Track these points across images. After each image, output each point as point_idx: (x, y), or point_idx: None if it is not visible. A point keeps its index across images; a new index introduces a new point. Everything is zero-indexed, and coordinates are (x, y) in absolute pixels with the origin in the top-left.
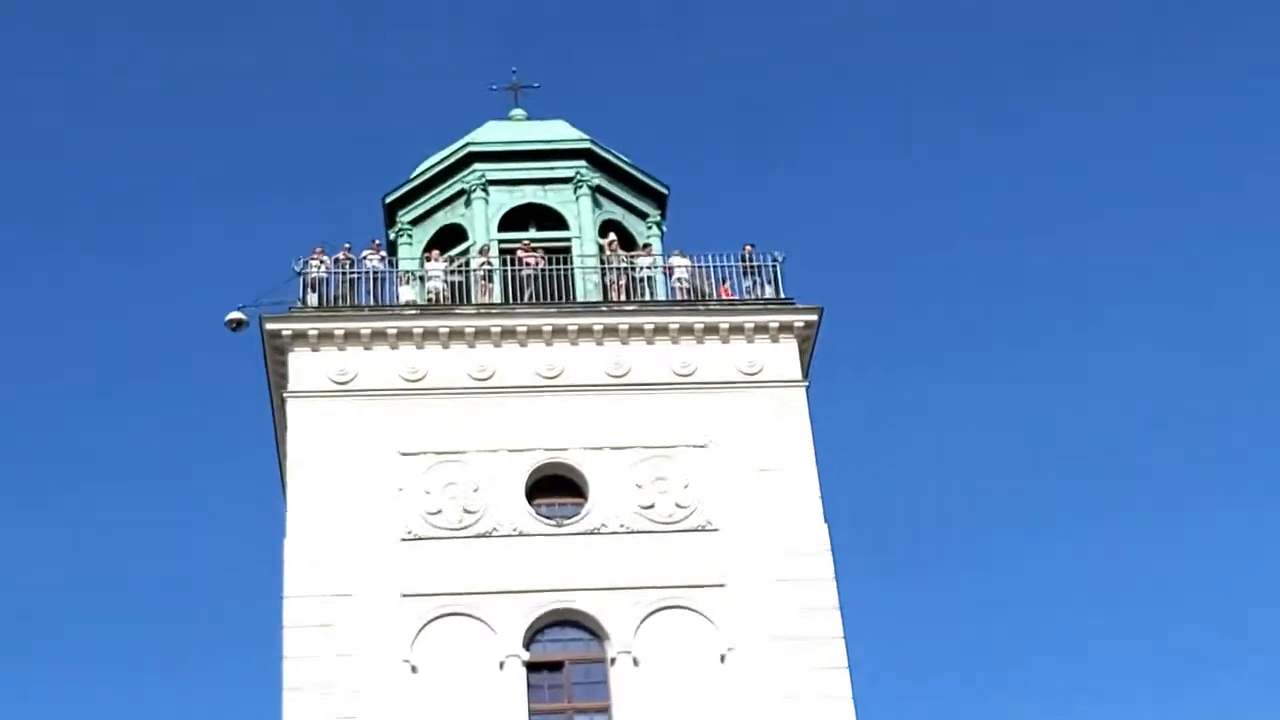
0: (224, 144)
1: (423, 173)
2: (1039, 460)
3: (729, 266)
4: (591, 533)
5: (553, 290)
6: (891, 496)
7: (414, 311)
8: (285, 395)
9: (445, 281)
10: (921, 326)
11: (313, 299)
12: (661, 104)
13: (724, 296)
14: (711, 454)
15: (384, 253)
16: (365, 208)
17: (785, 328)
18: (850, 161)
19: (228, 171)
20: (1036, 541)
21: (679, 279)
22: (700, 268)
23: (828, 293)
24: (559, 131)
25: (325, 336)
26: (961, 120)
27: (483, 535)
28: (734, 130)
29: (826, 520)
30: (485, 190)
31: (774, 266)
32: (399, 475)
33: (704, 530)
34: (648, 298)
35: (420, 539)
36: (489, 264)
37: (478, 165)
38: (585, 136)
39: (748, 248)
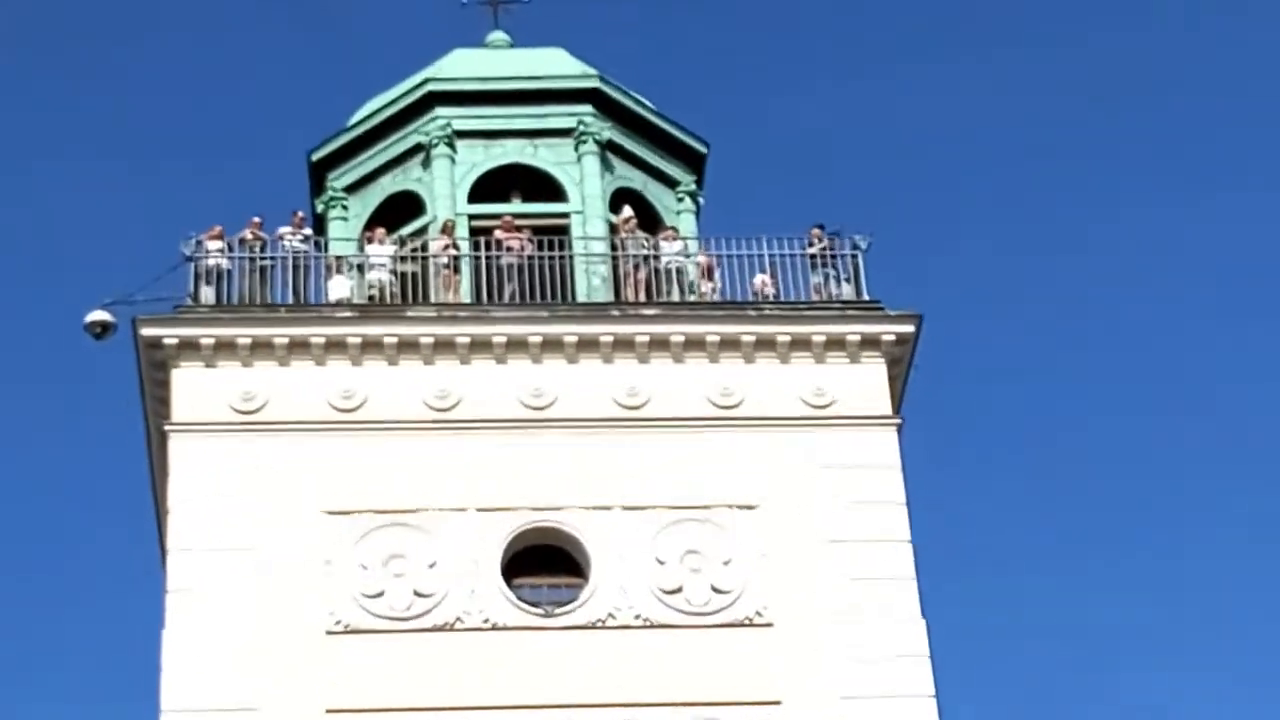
0: (82, 78)
1: (364, 120)
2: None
3: (790, 256)
4: (594, 626)
5: (544, 286)
6: (1018, 583)
7: (350, 313)
8: (167, 428)
9: (394, 272)
10: (1060, 340)
11: (208, 294)
12: (697, 27)
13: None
14: (764, 518)
15: (308, 231)
16: (283, 167)
17: (870, 342)
18: (956, 113)
19: (89, 117)
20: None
21: (707, 289)
22: (746, 258)
23: (927, 295)
24: (555, 64)
25: (225, 347)
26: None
27: (442, 628)
28: (796, 65)
29: (924, 614)
30: (451, 145)
31: (854, 257)
32: (325, 543)
33: (752, 625)
34: (676, 298)
35: (354, 632)
36: (455, 248)
37: (441, 110)
38: (592, 71)
39: (816, 231)
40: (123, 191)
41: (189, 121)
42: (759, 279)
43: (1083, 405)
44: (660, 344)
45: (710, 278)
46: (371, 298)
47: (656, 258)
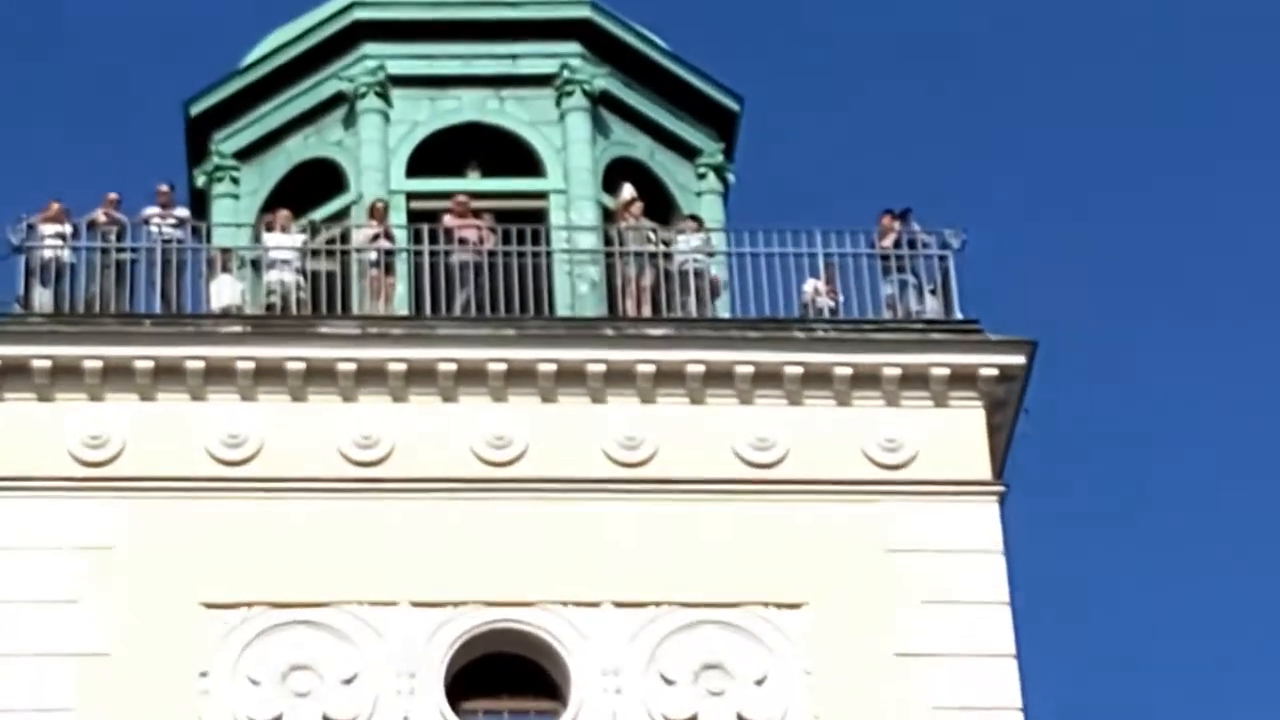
0: None
1: (263, 60)
2: None
3: (852, 256)
4: None
5: (510, 293)
6: (1160, 710)
7: (240, 329)
8: None
9: (302, 271)
10: (1223, 374)
11: (44, 299)
12: None
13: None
14: (812, 621)
15: (184, 212)
16: (150, 124)
17: (963, 378)
18: (1081, 70)
19: None
20: None
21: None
22: (791, 258)
23: (1041, 313)
24: None
25: (66, 372)
26: None
27: None
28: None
29: None
30: (384, 96)
31: (941, 260)
32: (201, 647)
33: None
34: (694, 313)
35: None
36: (388, 239)
37: (370, 47)
38: None
39: (888, 219)
40: None
41: (20, 59)
42: (810, 286)
43: (1250, 467)
44: (671, 376)
45: (715, 296)
46: (270, 306)
47: (668, 257)
